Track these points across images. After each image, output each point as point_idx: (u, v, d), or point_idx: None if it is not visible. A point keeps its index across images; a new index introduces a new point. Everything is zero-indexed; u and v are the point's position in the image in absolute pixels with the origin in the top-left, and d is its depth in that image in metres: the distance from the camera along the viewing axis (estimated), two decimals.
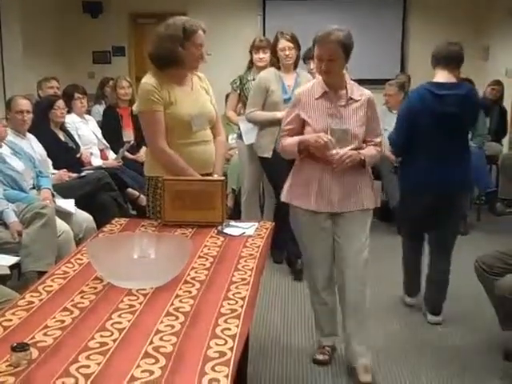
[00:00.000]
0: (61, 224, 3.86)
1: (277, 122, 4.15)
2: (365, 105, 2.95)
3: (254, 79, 4.71)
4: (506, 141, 7.16)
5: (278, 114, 4.17)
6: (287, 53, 4.39)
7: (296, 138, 2.97)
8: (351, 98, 2.94)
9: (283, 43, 4.40)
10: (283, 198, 3.13)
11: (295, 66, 4.51)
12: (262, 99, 4.40)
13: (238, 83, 4.93)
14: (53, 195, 4.19)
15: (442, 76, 3.65)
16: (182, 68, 3.05)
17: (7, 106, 4.51)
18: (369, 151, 2.97)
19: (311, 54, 5.03)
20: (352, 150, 2.89)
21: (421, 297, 3.95)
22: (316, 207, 2.98)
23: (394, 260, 4.12)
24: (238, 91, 4.95)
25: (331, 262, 3.10)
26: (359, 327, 3.05)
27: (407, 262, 3.99)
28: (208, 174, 3.11)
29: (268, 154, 4.42)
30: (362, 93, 2.97)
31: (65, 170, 4.70)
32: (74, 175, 4.72)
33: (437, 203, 3.62)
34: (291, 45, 4.38)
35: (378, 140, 3.04)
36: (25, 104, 4.47)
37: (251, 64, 4.93)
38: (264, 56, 4.74)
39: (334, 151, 2.85)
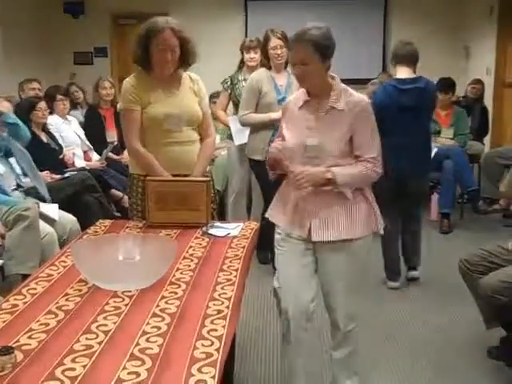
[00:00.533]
0: (44, 226, 3.84)
1: (270, 124, 4.15)
2: (350, 115, 2.46)
3: (245, 79, 4.68)
4: (487, 139, 7.23)
5: (273, 115, 4.13)
6: (279, 52, 4.28)
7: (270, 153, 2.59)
8: (332, 108, 2.48)
9: (274, 41, 4.28)
10: (267, 212, 2.77)
11: (286, 64, 4.40)
12: (255, 101, 4.32)
13: (228, 83, 4.89)
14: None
15: (403, 72, 4.14)
16: (150, 70, 3.03)
17: None
18: (346, 169, 2.46)
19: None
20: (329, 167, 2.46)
21: (403, 280, 4.33)
22: (290, 229, 2.59)
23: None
24: (229, 91, 4.91)
25: (308, 292, 2.59)
26: (349, 358, 2.70)
27: (386, 248, 4.26)
28: (186, 176, 3.08)
29: (260, 157, 4.17)
30: (349, 100, 2.49)
31: (47, 171, 4.67)
32: (57, 177, 4.69)
33: (399, 188, 4.10)
34: (282, 43, 4.25)
35: (370, 155, 2.49)
36: (6, 106, 4.45)
37: (242, 64, 4.89)
38: (255, 56, 4.72)
39: (293, 168, 2.47)
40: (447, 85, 6.14)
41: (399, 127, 3.98)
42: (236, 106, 4.72)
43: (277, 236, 2.67)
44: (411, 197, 4.29)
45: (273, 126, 4.06)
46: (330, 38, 2.46)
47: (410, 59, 4.14)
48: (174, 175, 3.03)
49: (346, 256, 2.53)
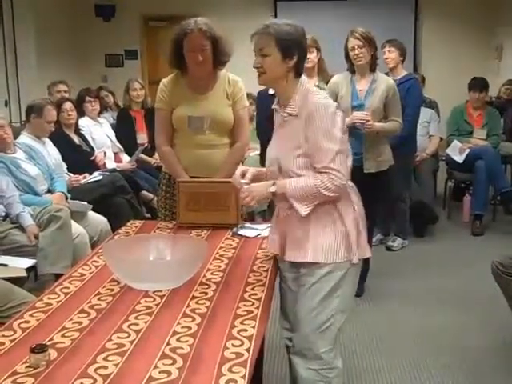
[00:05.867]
0: (76, 227, 3.89)
1: None
2: (303, 121, 2.19)
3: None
4: None
5: None
6: (356, 52, 4.00)
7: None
8: (290, 114, 2.25)
9: (351, 42, 3.98)
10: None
11: (372, 68, 4.11)
12: None
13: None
14: (66, 198, 4.21)
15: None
16: (185, 72, 3.05)
17: (32, 109, 4.50)
18: (297, 181, 2.19)
19: None
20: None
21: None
22: (268, 246, 2.51)
23: None
24: None
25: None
26: None
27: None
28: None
29: None
30: (303, 104, 2.22)
31: (77, 175, 4.71)
32: (83, 179, 4.71)
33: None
34: (360, 43, 3.98)
35: (322, 165, 2.16)
36: (55, 115, 4.55)
37: None
38: (310, 56, 4.19)
39: (243, 181, 2.32)
40: (479, 84, 6.04)
41: None
42: None
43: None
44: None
45: None
46: (295, 35, 2.22)
47: None
48: (195, 177, 3.05)
49: (312, 283, 2.24)
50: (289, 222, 2.29)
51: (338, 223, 2.23)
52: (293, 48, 2.21)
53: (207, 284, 2.21)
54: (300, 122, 2.21)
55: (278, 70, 2.23)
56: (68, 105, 4.98)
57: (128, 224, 3.02)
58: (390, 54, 5.03)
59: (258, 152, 5.64)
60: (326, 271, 2.22)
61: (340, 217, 2.24)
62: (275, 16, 9.39)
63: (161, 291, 2.12)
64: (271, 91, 4.83)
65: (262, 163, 5.17)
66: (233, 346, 1.72)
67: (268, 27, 2.21)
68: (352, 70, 4.11)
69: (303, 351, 2.27)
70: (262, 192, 2.26)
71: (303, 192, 2.17)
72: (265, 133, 4.67)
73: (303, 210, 2.19)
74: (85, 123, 5.40)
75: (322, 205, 2.21)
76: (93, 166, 5.02)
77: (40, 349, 1.61)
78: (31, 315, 1.93)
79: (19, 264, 3.44)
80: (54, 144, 4.66)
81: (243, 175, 2.33)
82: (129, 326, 1.85)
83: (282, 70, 2.23)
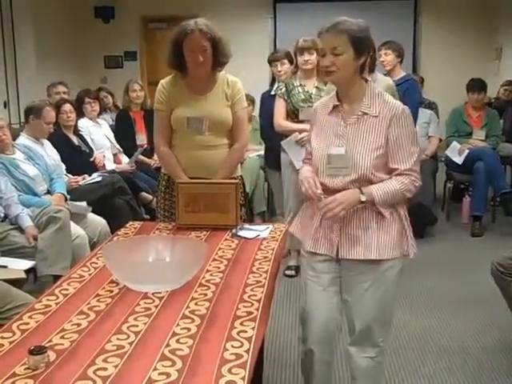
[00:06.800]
0: (75, 228, 3.89)
1: None
2: (385, 123, 2.22)
3: (301, 85, 4.28)
4: None
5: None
6: None
7: (301, 175, 2.39)
8: (365, 114, 2.25)
9: None
10: (291, 227, 2.60)
11: (371, 69, 4.16)
12: None
13: (283, 89, 4.46)
14: (65, 199, 4.21)
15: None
16: (185, 73, 3.05)
17: (31, 111, 4.50)
18: (383, 187, 2.22)
19: (276, 57, 4.96)
20: (353, 182, 2.24)
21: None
22: (313, 246, 2.37)
23: None
24: (286, 98, 4.32)
25: (331, 318, 2.42)
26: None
27: None
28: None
29: None
30: (384, 106, 2.24)
31: (76, 176, 4.70)
32: (82, 180, 4.71)
33: None
34: None
35: (407, 167, 2.23)
36: (54, 116, 4.54)
37: (296, 68, 4.40)
38: (309, 58, 4.21)
39: (319, 191, 2.24)
40: (478, 85, 6.05)
41: None
42: (294, 114, 4.28)
43: (302, 259, 2.50)
44: None
45: None
46: (365, 31, 2.28)
47: None
48: (193, 178, 3.05)
49: (374, 279, 2.30)
50: (348, 221, 2.28)
51: (397, 220, 2.30)
52: (365, 45, 2.26)
53: (206, 285, 2.20)
54: (380, 123, 2.22)
55: (351, 68, 2.24)
56: (67, 106, 4.98)
57: (127, 225, 3.02)
58: (386, 57, 5.04)
59: (258, 153, 5.65)
60: (388, 266, 2.29)
61: (397, 213, 2.30)
62: (274, 18, 9.40)
63: (160, 293, 2.11)
64: (272, 92, 4.84)
65: (266, 164, 5.17)
66: (232, 347, 1.71)
67: (339, 24, 2.24)
68: None
69: (363, 342, 2.39)
70: (354, 201, 2.21)
71: (391, 198, 2.22)
72: (269, 134, 4.69)
73: (387, 213, 2.26)
74: (84, 124, 5.39)
75: None
76: (92, 168, 5.01)
77: (39, 350, 1.60)
78: (30, 317, 1.93)
79: (18, 265, 3.44)
80: (53, 145, 4.66)
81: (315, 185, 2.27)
82: (128, 328, 1.85)
83: (353, 67, 2.24)
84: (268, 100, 4.85)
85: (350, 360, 2.47)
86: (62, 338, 1.78)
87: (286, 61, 4.67)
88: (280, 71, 4.70)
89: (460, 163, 5.84)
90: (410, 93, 4.84)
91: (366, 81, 2.32)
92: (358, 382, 2.47)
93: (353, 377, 2.49)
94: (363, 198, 2.20)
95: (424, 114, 6.04)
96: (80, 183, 4.63)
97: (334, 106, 2.33)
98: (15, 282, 3.05)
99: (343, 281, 2.38)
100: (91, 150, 5.21)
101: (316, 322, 2.41)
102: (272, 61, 4.79)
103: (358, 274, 2.31)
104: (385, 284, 2.31)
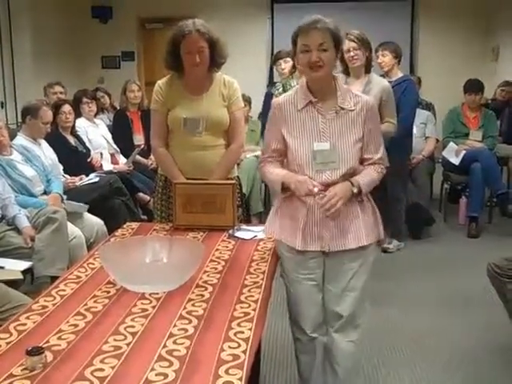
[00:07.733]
0: (72, 229, 3.88)
1: None
2: (361, 116, 2.33)
3: (297, 84, 4.34)
4: None
5: None
6: (352, 54, 4.07)
7: (279, 176, 2.39)
8: (342, 108, 2.32)
9: (347, 44, 4.04)
10: (265, 230, 2.60)
11: (367, 70, 4.14)
12: None
13: (280, 89, 4.55)
14: (62, 199, 4.20)
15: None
16: (182, 74, 3.04)
17: (28, 111, 4.50)
18: (365, 177, 2.36)
19: (280, 55, 4.96)
20: (343, 175, 2.32)
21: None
22: (303, 245, 2.37)
23: None
24: None
25: (321, 307, 2.51)
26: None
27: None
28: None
29: None
30: (357, 100, 2.34)
31: (73, 177, 4.70)
32: (80, 181, 4.71)
33: None
34: (356, 45, 4.06)
35: (378, 156, 2.41)
36: (51, 116, 4.54)
37: (293, 69, 4.48)
38: None
39: (317, 189, 2.27)
40: (475, 86, 6.04)
41: None
42: None
43: (288, 260, 2.48)
44: None
45: None
46: (339, 30, 2.34)
47: None
48: (190, 178, 3.05)
49: (360, 264, 2.43)
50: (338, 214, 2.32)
51: (370, 205, 2.46)
52: (340, 43, 2.34)
53: (204, 286, 2.21)
54: (358, 116, 2.33)
55: (333, 64, 2.34)
56: (67, 108, 4.98)
57: (124, 226, 3.02)
58: (383, 58, 5.04)
59: (255, 154, 5.65)
60: (372, 248, 2.46)
61: (367, 198, 2.45)
62: (272, 18, 9.39)
63: (157, 293, 2.11)
64: (273, 91, 4.86)
65: None
66: (229, 348, 1.72)
67: (321, 22, 2.28)
68: (347, 72, 4.13)
69: (347, 326, 2.50)
70: (348, 194, 2.31)
71: (371, 186, 2.40)
72: None
73: (366, 200, 2.42)
74: (81, 124, 5.39)
75: None
76: (89, 168, 5.02)
77: (36, 351, 1.60)
78: (27, 318, 1.93)
79: (15, 266, 3.44)
80: (50, 145, 4.66)
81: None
82: (125, 329, 1.85)
83: (334, 63, 2.36)
84: (270, 99, 4.88)
85: (334, 346, 2.54)
86: (59, 338, 1.78)
87: (289, 59, 4.69)
88: (284, 69, 4.74)
89: (457, 164, 5.85)
90: (408, 93, 4.84)
91: (335, 77, 2.42)
92: (342, 367, 2.54)
93: (336, 362, 2.55)
94: (355, 190, 2.32)
95: (421, 114, 6.05)
96: (77, 184, 4.63)
97: (309, 102, 2.34)
98: (12, 283, 3.05)
99: (329, 272, 2.46)
100: (88, 150, 5.21)
101: (309, 319, 2.54)
102: (277, 59, 4.81)
103: (347, 263, 2.42)
104: (368, 266, 2.48)
